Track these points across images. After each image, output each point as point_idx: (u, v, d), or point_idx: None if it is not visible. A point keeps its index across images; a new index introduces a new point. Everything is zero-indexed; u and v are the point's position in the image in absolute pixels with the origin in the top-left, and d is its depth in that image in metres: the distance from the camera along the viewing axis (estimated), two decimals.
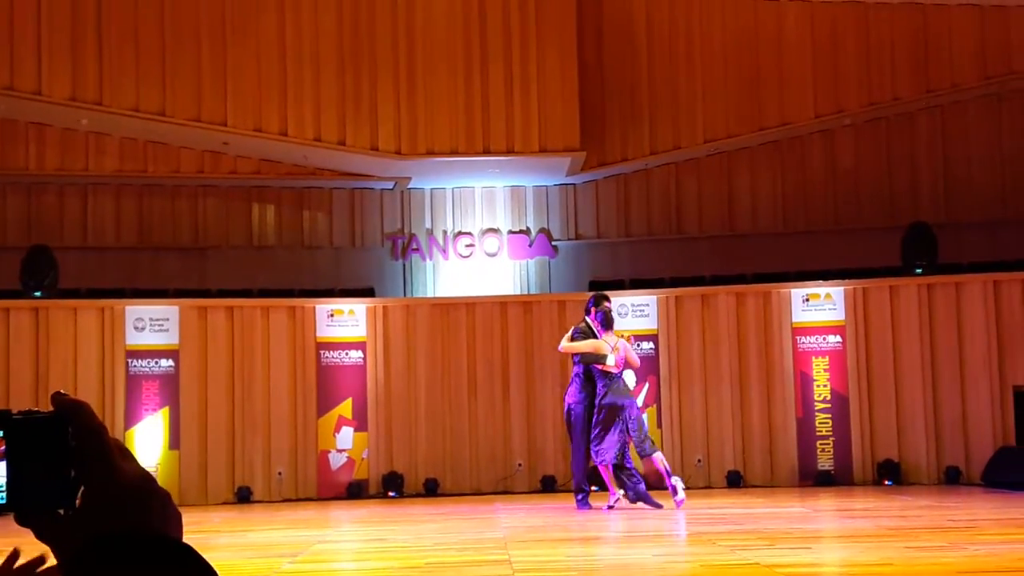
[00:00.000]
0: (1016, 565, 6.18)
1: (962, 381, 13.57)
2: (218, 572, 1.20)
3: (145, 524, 1.20)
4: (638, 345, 14.24)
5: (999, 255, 14.39)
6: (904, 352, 13.75)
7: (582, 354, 11.03)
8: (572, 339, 11.16)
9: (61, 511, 1.16)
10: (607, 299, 11.45)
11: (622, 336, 11.29)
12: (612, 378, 10.88)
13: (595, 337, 11.04)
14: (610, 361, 10.88)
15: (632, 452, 11.04)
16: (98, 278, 14.79)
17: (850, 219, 15.55)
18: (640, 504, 10.78)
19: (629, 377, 11.26)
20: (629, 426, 10.84)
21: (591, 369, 10.98)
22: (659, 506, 10.68)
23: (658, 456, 10.97)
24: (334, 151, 14.96)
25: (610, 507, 10.85)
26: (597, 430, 10.86)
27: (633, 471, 10.94)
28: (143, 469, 1.26)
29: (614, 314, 11.35)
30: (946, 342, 13.67)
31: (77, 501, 1.17)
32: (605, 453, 10.82)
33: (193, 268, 15.43)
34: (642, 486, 10.87)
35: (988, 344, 13.54)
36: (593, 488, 11.28)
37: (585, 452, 11.06)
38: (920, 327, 13.75)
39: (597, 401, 10.89)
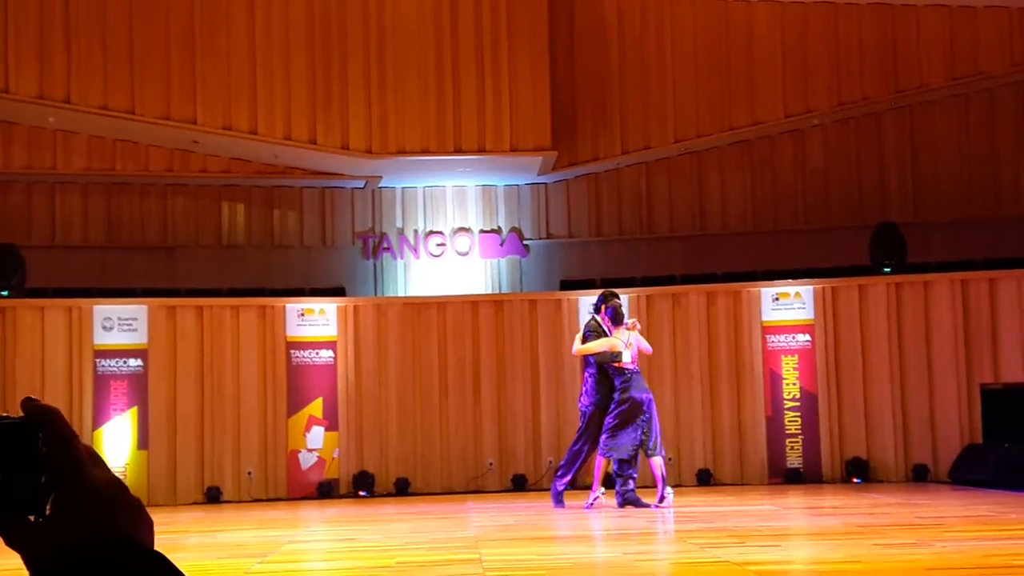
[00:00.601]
0: (983, 562, 6.24)
1: (930, 379, 13.68)
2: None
3: (117, 532, 1.19)
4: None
5: (966, 254, 14.51)
6: (872, 351, 13.84)
7: (596, 354, 10.93)
8: (584, 340, 11.04)
9: (31, 518, 1.14)
10: (616, 295, 11.28)
11: (629, 325, 11.04)
12: (629, 374, 10.79)
13: (606, 335, 10.93)
14: (626, 358, 10.75)
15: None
16: (66, 277, 14.69)
17: (819, 218, 15.64)
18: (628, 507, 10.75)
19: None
20: (652, 422, 10.74)
21: (607, 368, 10.88)
22: (647, 505, 10.68)
23: (658, 461, 10.83)
24: (304, 150, 14.92)
25: (590, 505, 10.78)
26: (615, 423, 10.70)
27: (631, 473, 10.87)
28: (115, 476, 1.25)
29: (623, 310, 11.13)
30: (914, 341, 13.77)
31: (47, 508, 1.15)
32: (620, 449, 10.68)
33: (162, 267, 15.34)
34: (632, 491, 10.82)
35: (955, 343, 13.66)
36: (602, 490, 11.01)
37: (589, 450, 10.93)
38: (888, 326, 13.85)
39: (617, 396, 10.74)
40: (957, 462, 13.28)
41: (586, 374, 11.12)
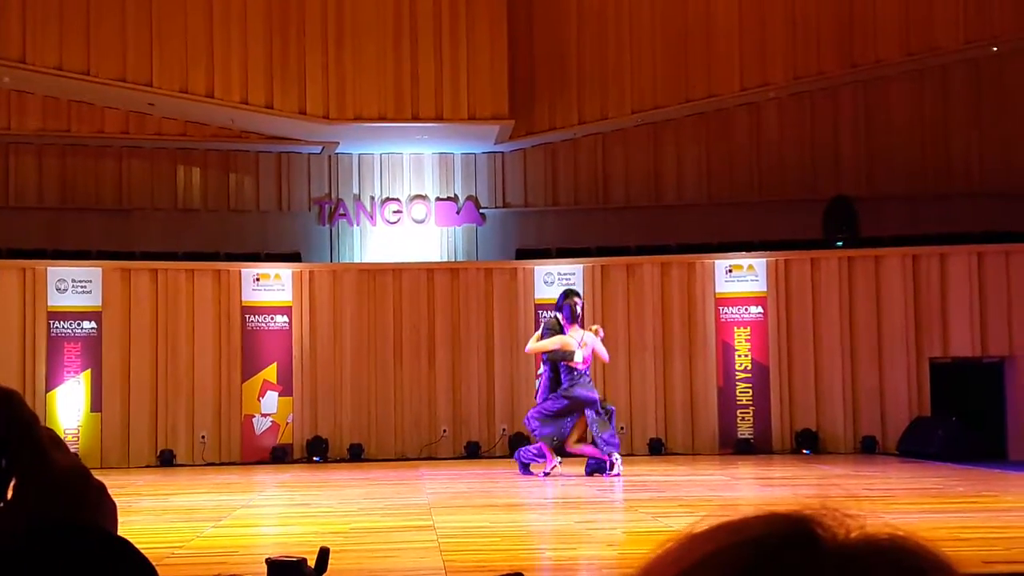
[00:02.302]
0: (930, 534, 6.29)
1: (880, 353, 13.88)
2: (154, 566, 1.20)
3: (80, 516, 1.18)
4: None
5: (919, 229, 14.69)
6: (824, 324, 14.02)
7: (549, 352, 11.01)
8: (541, 338, 11.15)
9: None
10: (577, 294, 11.42)
11: (591, 331, 11.21)
12: (577, 373, 10.92)
13: (562, 333, 11.04)
14: (577, 357, 10.89)
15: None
16: (19, 238, 14.53)
17: (774, 191, 15.76)
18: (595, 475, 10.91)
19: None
20: (591, 423, 10.85)
21: (558, 366, 10.98)
22: (531, 473, 10.95)
23: (617, 458, 10.87)
24: (261, 114, 14.82)
25: (546, 474, 10.90)
26: (549, 414, 10.89)
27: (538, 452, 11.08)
28: (77, 460, 1.24)
29: (578, 309, 11.22)
30: (865, 314, 13.96)
31: (8, 493, 1.14)
32: (542, 431, 10.91)
33: (117, 230, 15.22)
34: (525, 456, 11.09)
35: (905, 317, 13.86)
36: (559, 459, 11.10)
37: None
38: (840, 299, 14.02)
39: (559, 391, 10.91)
40: (905, 435, 13.50)
41: (541, 371, 11.27)
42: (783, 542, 0.74)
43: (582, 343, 10.96)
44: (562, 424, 10.95)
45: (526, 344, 11.76)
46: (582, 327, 11.25)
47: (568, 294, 11.36)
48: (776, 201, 15.66)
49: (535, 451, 11.31)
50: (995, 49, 15.37)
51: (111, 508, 1.23)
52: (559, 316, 11.22)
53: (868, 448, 13.69)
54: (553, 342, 11.00)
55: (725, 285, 14.27)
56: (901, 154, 15.63)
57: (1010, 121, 15.45)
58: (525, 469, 11.29)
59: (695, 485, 10.16)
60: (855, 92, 15.84)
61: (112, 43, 14.47)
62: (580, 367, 10.93)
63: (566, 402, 10.90)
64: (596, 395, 11.12)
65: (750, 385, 14.10)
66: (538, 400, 11.31)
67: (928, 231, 14.56)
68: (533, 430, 11.07)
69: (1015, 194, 15.00)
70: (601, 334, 11.32)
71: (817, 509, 0.77)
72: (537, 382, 11.66)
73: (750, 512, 0.78)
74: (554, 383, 11.10)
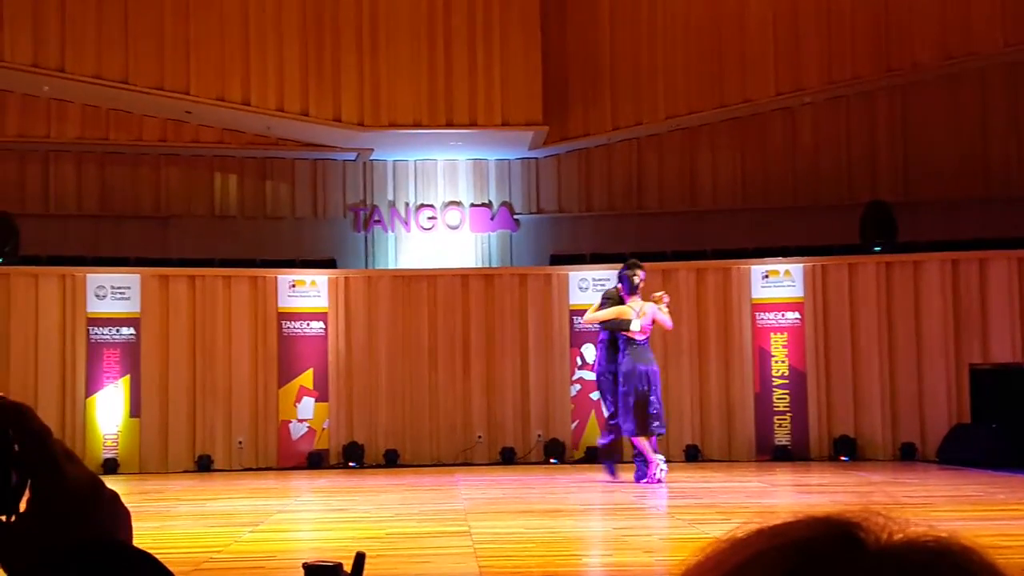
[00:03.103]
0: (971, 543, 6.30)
1: (919, 359, 13.76)
2: None
3: (96, 529, 1.18)
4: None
5: (957, 234, 14.56)
6: (862, 329, 13.91)
7: (605, 321, 10.92)
8: (599, 308, 11.07)
9: (3, 518, 1.11)
10: (636, 265, 11.27)
11: (654, 298, 11.05)
12: (635, 344, 10.80)
13: (622, 303, 10.98)
14: (635, 327, 10.76)
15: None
16: (59, 246, 14.68)
17: (810, 196, 15.66)
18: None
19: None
20: (649, 393, 10.70)
21: (617, 337, 10.90)
22: (615, 478, 10.79)
23: (644, 442, 10.78)
24: (297, 121, 14.90)
25: (658, 480, 10.62)
26: (620, 401, 10.77)
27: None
28: (90, 472, 1.23)
29: (637, 280, 11.04)
30: (903, 320, 13.84)
31: (21, 506, 1.13)
32: (627, 424, 10.74)
33: (155, 237, 15.33)
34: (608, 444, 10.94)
35: (945, 322, 13.73)
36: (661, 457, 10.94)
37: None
38: (878, 305, 13.92)
39: (618, 369, 10.80)
40: (945, 441, 13.36)
41: (598, 341, 11.20)
42: (826, 545, 0.73)
43: (640, 312, 10.85)
44: (635, 402, 10.71)
45: (586, 320, 11.60)
46: (642, 298, 11.10)
47: (629, 265, 11.26)
48: (812, 206, 15.57)
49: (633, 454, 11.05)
50: None
51: (125, 518, 1.23)
52: (619, 286, 11.16)
53: (907, 455, 13.57)
54: (609, 312, 10.92)
55: (761, 291, 14.20)
56: (938, 158, 15.50)
57: None
58: (611, 469, 11.14)
59: (732, 492, 10.11)
60: (891, 96, 15.72)
61: (150, 52, 14.60)
62: (638, 337, 10.81)
63: (625, 382, 10.71)
64: (655, 367, 10.93)
65: (787, 391, 14.01)
66: (595, 369, 11.17)
67: (967, 236, 14.43)
68: (628, 432, 10.78)
69: None
70: (666, 299, 11.17)
71: (859, 512, 0.76)
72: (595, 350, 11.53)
73: (789, 517, 0.77)
74: (610, 351, 10.97)
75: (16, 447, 1.13)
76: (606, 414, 11.27)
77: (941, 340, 13.72)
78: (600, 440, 11.64)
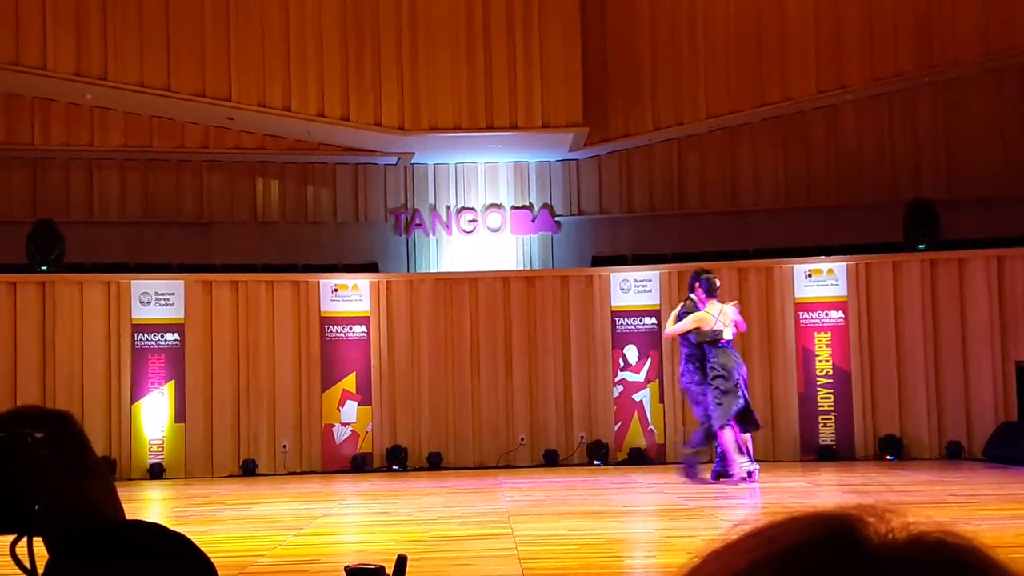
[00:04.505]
0: (1018, 540, 6.25)
1: (964, 356, 13.62)
2: (213, 563, 1.22)
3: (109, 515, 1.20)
4: (640, 320, 14.31)
5: (1001, 231, 14.40)
6: (906, 328, 13.80)
7: (692, 332, 10.84)
8: (676, 320, 10.99)
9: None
10: (707, 271, 11.28)
11: (731, 304, 11.03)
12: (720, 347, 10.73)
13: (697, 311, 10.88)
14: (727, 335, 10.69)
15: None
16: (103, 252, 14.84)
17: (852, 195, 15.55)
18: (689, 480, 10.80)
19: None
20: (740, 393, 10.65)
21: (705, 349, 10.81)
22: (703, 480, 10.75)
23: (745, 437, 10.72)
24: (337, 126, 14.98)
25: (749, 477, 10.52)
26: (717, 391, 10.70)
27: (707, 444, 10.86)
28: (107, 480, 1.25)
29: (716, 282, 11.04)
30: (948, 318, 13.71)
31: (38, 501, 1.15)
32: (718, 418, 10.66)
33: (197, 243, 15.47)
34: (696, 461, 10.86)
35: (990, 319, 13.59)
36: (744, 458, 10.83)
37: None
38: (922, 303, 13.79)
39: (708, 372, 10.73)
40: (992, 439, 13.23)
41: (682, 354, 11.12)
42: (824, 549, 0.72)
43: (721, 316, 10.76)
44: (735, 399, 10.64)
45: (665, 329, 11.59)
46: (720, 301, 11.00)
47: (699, 273, 11.22)
48: (855, 205, 15.45)
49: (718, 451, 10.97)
50: None
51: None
52: (693, 296, 11.06)
53: (953, 454, 13.43)
54: (687, 322, 10.87)
55: (804, 290, 14.11)
56: (981, 155, 15.34)
57: None
58: (692, 472, 11.08)
59: (776, 492, 10.05)
60: (934, 93, 15.58)
61: (191, 59, 14.73)
62: (724, 340, 10.70)
63: (721, 375, 10.64)
64: (743, 367, 10.85)
65: (832, 390, 13.91)
66: (682, 384, 11.12)
67: (1011, 233, 14.27)
68: (718, 427, 10.65)
69: None
70: (738, 307, 11.12)
71: (856, 508, 0.75)
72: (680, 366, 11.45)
73: (784, 516, 0.76)
74: (692, 360, 10.89)
75: (36, 447, 1.16)
76: (701, 421, 11.10)
77: (987, 337, 13.58)
78: (688, 444, 11.51)
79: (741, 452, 10.76)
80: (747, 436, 10.84)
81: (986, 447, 13.23)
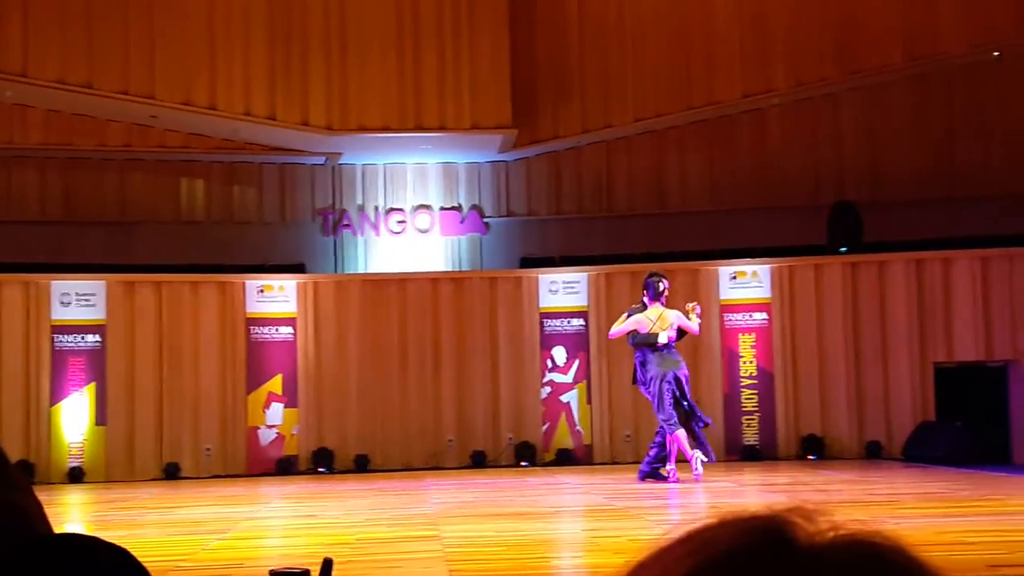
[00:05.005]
0: (936, 539, 6.36)
1: (884, 358, 13.86)
2: (150, 573, 1.20)
3: (40, 526, 1.18)
4: (568, 321, 14.35)
5: (923, 234, 14.67)
6: (828, 329, 14.00)
7: (631, 336, 10.85)
8: (623, 322, 11.03)
9: None
10: (656, 273, 11.27)
11: (687, 308, 11.00)
12: (659, 350, 10.74)
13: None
14: (661, 339, 10.72)
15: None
16: (23, 252, 14.54)
17: (777, 198, 15.72)
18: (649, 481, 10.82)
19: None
20: (682, 397, 10.67)
21: (644, 351, 10.84)
22: (664, 478, 10.73)
23: (681, 434, 10.71)
24: (264, 126, 14.84)
25: (698, 474, 10.50)
26: (655, 404, 10.74)
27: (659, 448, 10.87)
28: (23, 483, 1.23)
29: (661, 285, 11.00)
30: (869, 320, 13.94)
31: None
32: (669, 420, 10.66)
33: (120, 243, 15.22)
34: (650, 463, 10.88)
35: (910, 322, 13.84)
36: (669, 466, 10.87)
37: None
38: (844, 305, 14.01)
39: (647, 376, 10.75)
40: (910, 439, 13.47)
41: (635, 358, 11.13)
42: (757, 553, 0.72)
43: (660, 319, 10.78)
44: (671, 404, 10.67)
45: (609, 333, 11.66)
46: (665, 305, 10.98)
47: (651, 274, 11.28)
48: (780, 207, 15.63)
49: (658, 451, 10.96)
50: (997, 54, 15.34)
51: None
52: (644, 299, 11.10)
53: (873, 453, 13.66)
54: (627, 324, 10.94)
55: (729, 292, 14.26)
56: (904, 159, 15.61)
57: (1013, 124, 15.42)
58: (655, 475, 11.03)
59: (700, 492, 10.13)
60: (857, 98, 15.82)
61: (114, 56, 14.49)
62: (662, 343, 10.71)
63: (653, 383, 10.68)
64: (684, 370, 10.83)
65: (755, 391, 14.08)
66: (637, 381, 11.12)
67: (932, 236, 14.54)
68: (671, 430, 10.67)
69: (1018, 198, 14.96)
70: (698, 310, 11.11)
71: (786, 510, 0.75)
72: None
73: (715, 520, 0.76)
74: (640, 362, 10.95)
75: None
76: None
77: (906, 339, 13.83)
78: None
79: (670, 458, 10.83)
80: (683, 434, 10.80)
81: (905, 447, 13.47)
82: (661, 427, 10.91)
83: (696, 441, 10.78)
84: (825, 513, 0.75)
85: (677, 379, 10.79)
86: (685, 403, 10.80)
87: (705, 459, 10.63)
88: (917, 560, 0.74)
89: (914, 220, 15.10)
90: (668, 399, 10.69)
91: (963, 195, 15.30)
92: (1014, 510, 8.23)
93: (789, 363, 14.02)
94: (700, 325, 11.34)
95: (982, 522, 7.37)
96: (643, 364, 10.94)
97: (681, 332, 11.05)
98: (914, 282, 13.93)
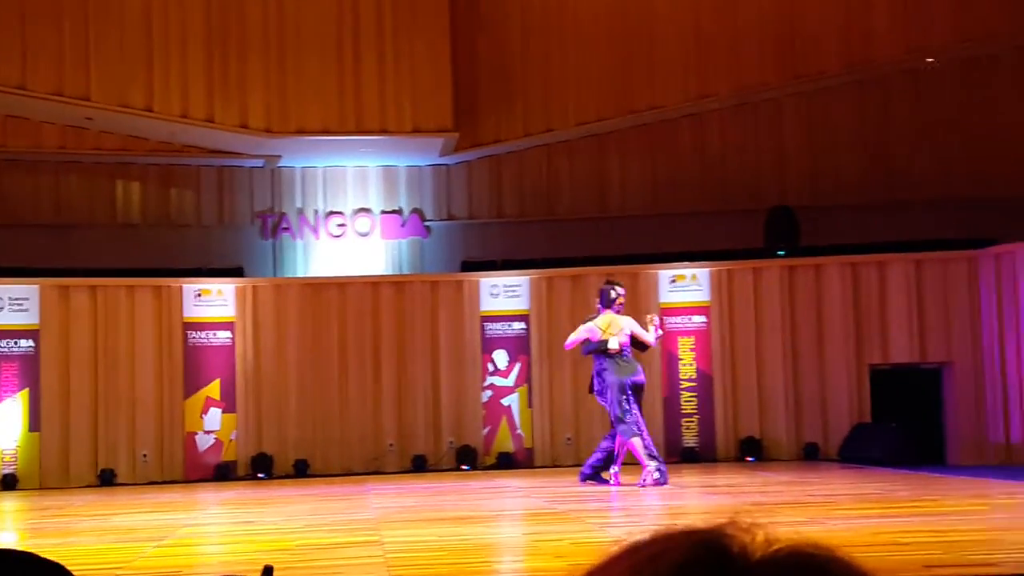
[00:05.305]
0: (872, 539, 6.43)
1: (821, 360, 14.02)
2: None
3: None
4: (509, 325, 14.35)
5: (861, 238, 14.84)
6: (766, 332, 14.13)
7: (587, 344, 10.83)
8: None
9: None
10: (615, 283, 11.22)
11: (647, 319, 10.98)
12: (614, 358, 10.71)
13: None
14: (612, 345, 10.69)
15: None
16: None
17: (718, 202, 15.83)
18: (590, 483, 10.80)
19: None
20: (613, 398, 10.65)
21: (597, 359, 10.81)
22: (605, 482, 10.72)
23: (637, 442, 10.67)
24: (202, 128, 14.69)
25: (653, 482, 10.44)
26: (611, 411, 10.71)
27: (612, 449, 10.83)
28: None
29: (613, 293, 10.92)
30: (806, 322, 14.09)
31: None
32: (623, 430, 10.63)
33: (54, 246, 14.99)
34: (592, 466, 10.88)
35: (845, 324, 14.01)
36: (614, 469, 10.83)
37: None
38: (782, 308, 14.14)
39: (603, 384, 10.72)
40: (846, 441, 13.63)
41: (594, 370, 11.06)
42: (703, 568, 0.73)
43: (610, 326, 10.73)
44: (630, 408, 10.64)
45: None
46: (619, 313, 10.92)
47: (607, 281, 11.26)
48: (720, 211, 15.75)
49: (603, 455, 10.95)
50: (930, 60, 15.57)
51: None
52: (598, 306, 11.08)
53: (810, 455, 13.80)
54: (580, 332, 10.91)
55: (669, 295, 14.34)
56: (843, 163, 15.79)
57: (949, 130, 15.66)
58: (595, 477, 10.99)
59: (640, 494, 10.17)
60: (798, 103, 15.98)
61: (48, 57, 14.27)
62: (614, 351, 10.67)
63: (608, 391, 10.66)
64: (641, 377, 10.76)
65: (695, 394, 14.17)
66: (595, 392, 11.06)
67: (868, 240, 14.73)
68: (626, 437, 10.67)
69: (953, 203, 15.20)
70: (657, 320, 11.08)
71: (724, 524, 0.76)
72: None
73: (656, 535, 0.77)
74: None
75: None
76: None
77: (842, 342, 13.99)
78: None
79: (616, 461, 10.84)
80: (638, 442, 10.77)
81: (841, 448, 13.63)
82: (613, 432, 10.89)
83: (653, 459, 10.68)
84: (761, 525, 0.76)
85: (635, 385, 10.77)
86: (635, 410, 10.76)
87: (658, 476, 10.52)
88: (852, 566, 0.75)
89: (851, 224, 15.29)
90: (628, 406, 10.65)
91: (899, 199, 15.51)
92: (949, 510, 8.36)
93: (728, 366, 14.13)
94: (658, 338, 11.28)
95: (918, 522, 7.47)
96: (600, 373, 10.90)
97: (637, 342, 11.01)
98: (850, 285, 14.11)
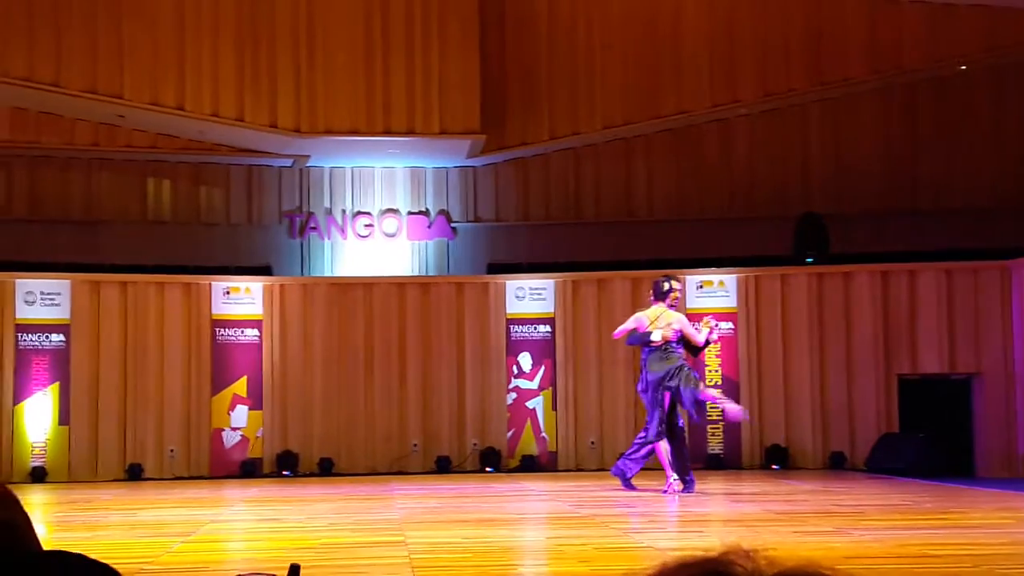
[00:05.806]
0: (899, 551, 6.41)
1: (848, 369, 13.96)
2: None
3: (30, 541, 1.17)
4: (534, 328, 14.36)
5: (887, 246, 14.79)
6: (793, 340, 14.08)
7: (630, 335, 10.76)
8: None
9: None
10: (670, 276, 11.16)
11: (704, 322, 10.90)
12: (656, 350, 10.59)
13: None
14: (655, 337, 10.57)
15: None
16: None
17: (744, 208, 15.81)
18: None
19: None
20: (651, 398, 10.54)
21: (643, 351, 10.74)
22: (633, 488, 10.65)
23: (663, 447, 10.59)
24: (232, 127, 14.77)
25: (674, 492, 10.37)
26: (648, 409, 10.65)
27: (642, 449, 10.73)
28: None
29: (666, 286, 10.81)
30: (834, 331, 14.03)
31: None
32: (651, 432, 10.58)
33: (86, 242, 15.10)
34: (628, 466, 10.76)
35: (874, 333, 13.94)
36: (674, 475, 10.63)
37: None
38: (809, 315, 14.09)
39: (645, 379, 10.64)
40: (874, 451, 13.56)
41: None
42: None
43: (659, 319, 10.61)
44: (657, 410, 10.52)
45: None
46: (672, 307, 10.82)
47: (664, 275, 11.19)
48: (746, 217, 15.72)
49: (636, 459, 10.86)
50: (963, 68, 15.50)
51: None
52: (651, 299, 10.98)
53: (836, 464, 13.74)
54: (629, 322, 10.84)
55: (696, 301, 14.31)
56: (870, 171, 15.73)
57: (978, 138, 15.58)
58: (627, 483, 10.93)
59: (665, 501, 10.15)
60: (824, 109, 15.93)
61: (82, 54, 14.38)
62: (657, 343, 10.52)
63: (649, 386, 10.57)
64: (662, 372, 10.55)
65: None
66: (639, 391, 11.00)
67: (897, 248, 14.66)
68: (651, 441, 10.58)
69: (982, 211, 15.12)
70: (713, 323, 10.98)
71: (726, 552, 0.77)
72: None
73: (667, 563, 0.78)
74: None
75: None
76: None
77: (871, 350, 13.93)
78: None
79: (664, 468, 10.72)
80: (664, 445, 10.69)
81: (868, 458, 13.56)
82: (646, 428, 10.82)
83: (682, 467, 10.58)
84: (760, 550, 0.77)
85: (697, 403, 10.64)
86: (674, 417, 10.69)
87: (682, 488, 10.43)
88: None
89: (879, 232, 15.23)
90: (660, 411, 10.53)
91: (928, 208, 15.44)
92: (976, 523, 8.31)
93: (754, 372, 14.09)
94: (711, 342, 11.10)
95: (944, 535, 7.43)
96: (643, 368, 10.79)
97: (688, 344, 10.91)
98: (879, 294, 14.04)
